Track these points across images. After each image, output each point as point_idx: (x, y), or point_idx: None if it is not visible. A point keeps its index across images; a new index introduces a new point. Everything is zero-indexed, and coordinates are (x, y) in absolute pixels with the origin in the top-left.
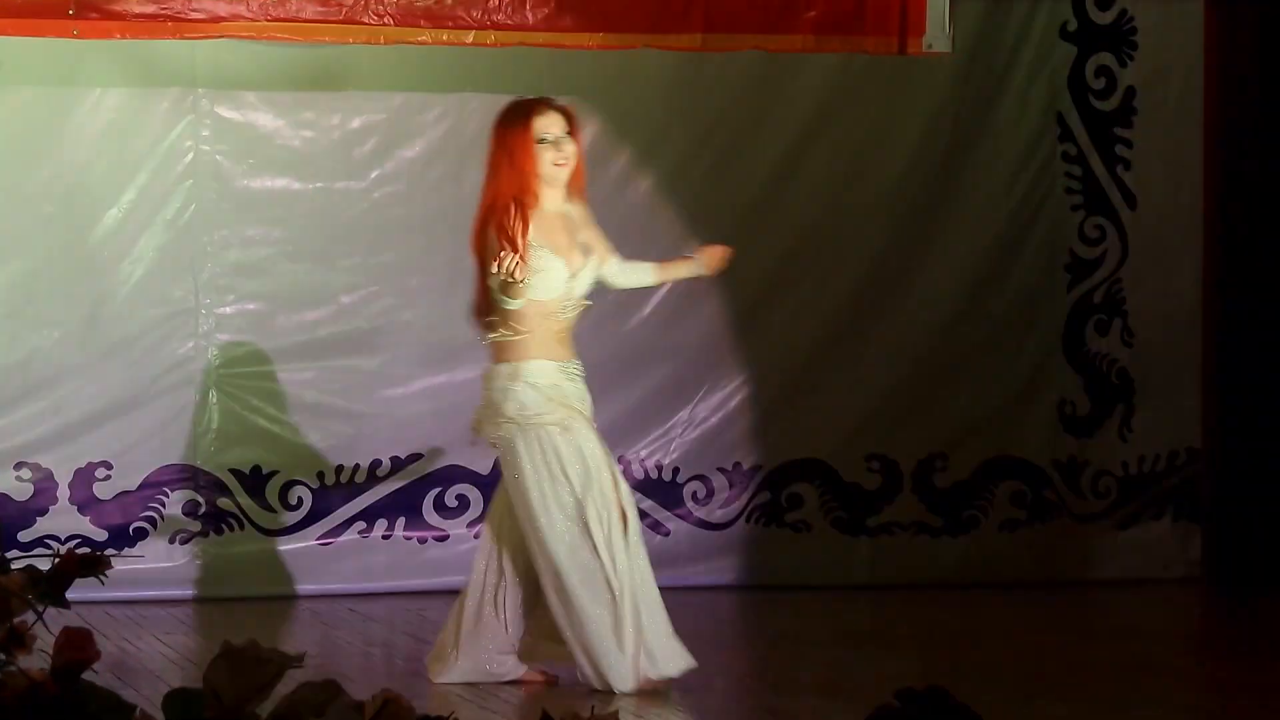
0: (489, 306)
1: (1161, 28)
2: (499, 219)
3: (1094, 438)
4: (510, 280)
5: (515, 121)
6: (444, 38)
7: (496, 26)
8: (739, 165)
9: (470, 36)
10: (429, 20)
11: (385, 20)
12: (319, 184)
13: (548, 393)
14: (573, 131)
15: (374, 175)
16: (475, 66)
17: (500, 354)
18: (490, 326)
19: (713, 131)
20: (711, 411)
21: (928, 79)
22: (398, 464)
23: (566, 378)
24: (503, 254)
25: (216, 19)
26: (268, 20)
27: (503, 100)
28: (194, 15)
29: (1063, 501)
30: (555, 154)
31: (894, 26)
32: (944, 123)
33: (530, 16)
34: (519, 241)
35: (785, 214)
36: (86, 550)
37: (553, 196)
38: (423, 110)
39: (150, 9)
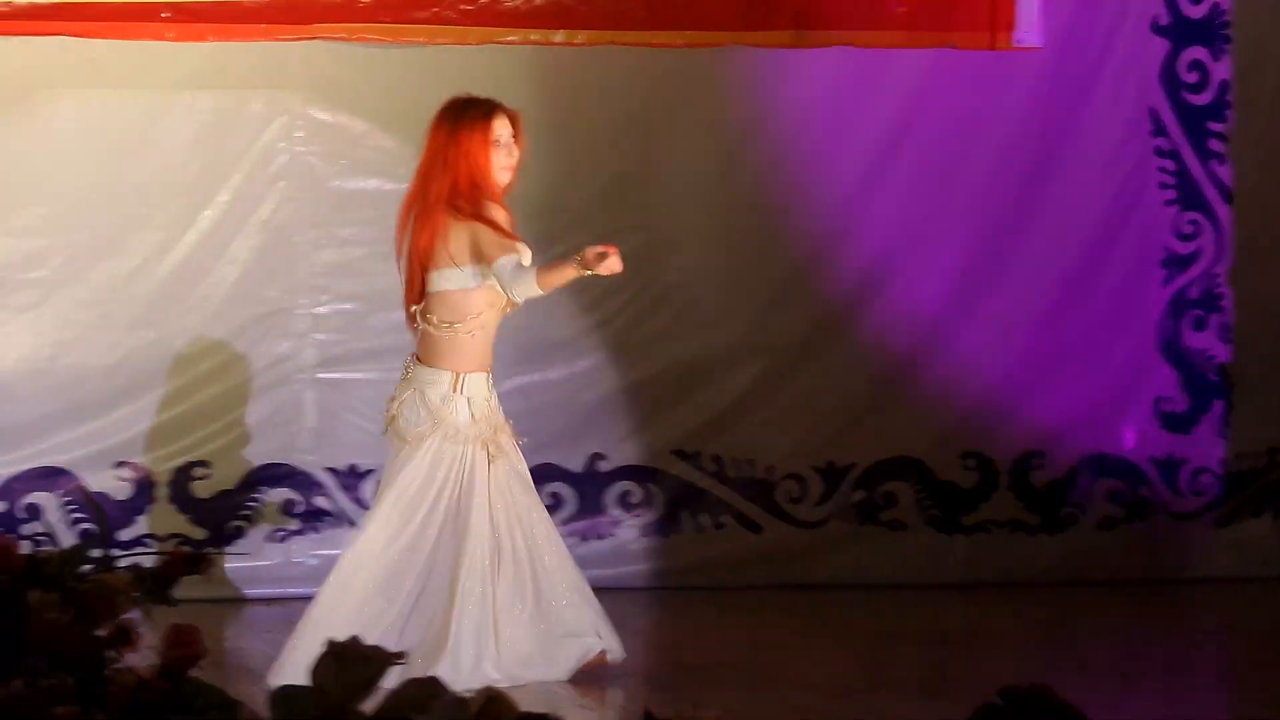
0: (425, 299)
1: (1255, 20)
2: (486, 212)
3: (1191, 435)
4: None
5: (474, 119)
6: (533, 37)
7: (586, 26)
8: (830, 162)
9: (560, 36)
10: (518, 20)
11: (475, 21)
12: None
13: (480, 409)
14: (518, 137)
15: None
16: (562, 67)
17: (442, 358)
18: (430, 322)
19: (803, 128)
20: (804, 409)
21: (1019, 74)
22: None
23: (490, 389)
24: (603, 250)
25: (309, 21)
26: (360, 22)
27: (594, 102)
28: (286, 17)
29: (1160, 499)
30: (506, 158)
31: (985, 21)
32: (1035, 118)
33: (620, 16)
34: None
35: (876, 211)
36: (189, 549)
37: None
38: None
39: (244, 11)
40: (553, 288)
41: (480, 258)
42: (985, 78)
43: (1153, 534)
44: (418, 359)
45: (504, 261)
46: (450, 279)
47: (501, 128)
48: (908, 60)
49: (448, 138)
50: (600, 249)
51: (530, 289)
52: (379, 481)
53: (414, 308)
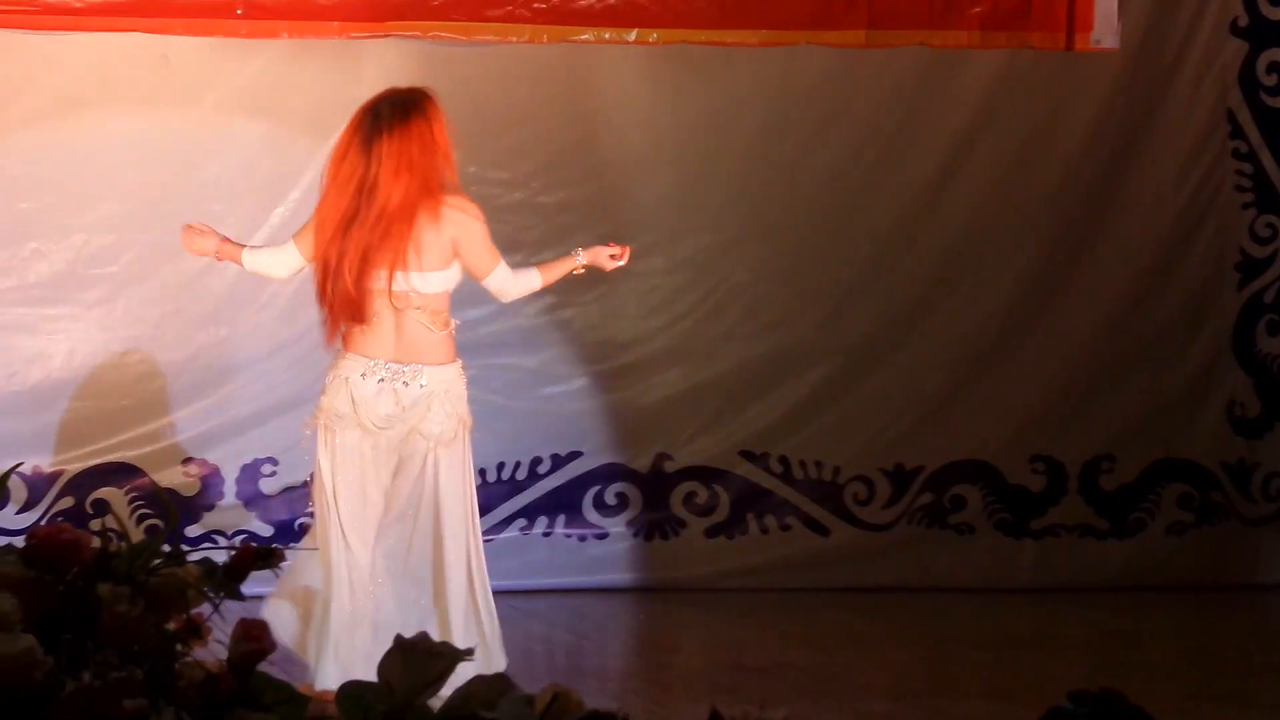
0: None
1: None
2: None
3: (1264, 440)
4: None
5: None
6: (606, 36)
7: (659, 25)
8: (902, 162)
9: (633, 35)
10: (591, 19)
11: (548, 20)
12: (481, 183)
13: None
14: None
15: (533, 174)
16: (634, 66)
17: (451, 352)
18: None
19: (876, 128)
20: (873, 411)
21: (1095, 75)
22: (558, 461)
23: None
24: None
25: (381, 18)
26: (434, 20)
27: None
28: (359, 14)
29: (1231, 504)
30: None
31: (1061, 22)
32: (1111, 120)
33: (693, 15)
34: None
35: (948, 212)
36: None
37: None
38: (581, 111)
39: (316, 8)
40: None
41: None
42: (1061, 79)
43: (1223, 539)
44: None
45: None
46: None
47: None
48: (983, 60)
49: (445, 130)
50: (613, 250)
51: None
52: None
53: None
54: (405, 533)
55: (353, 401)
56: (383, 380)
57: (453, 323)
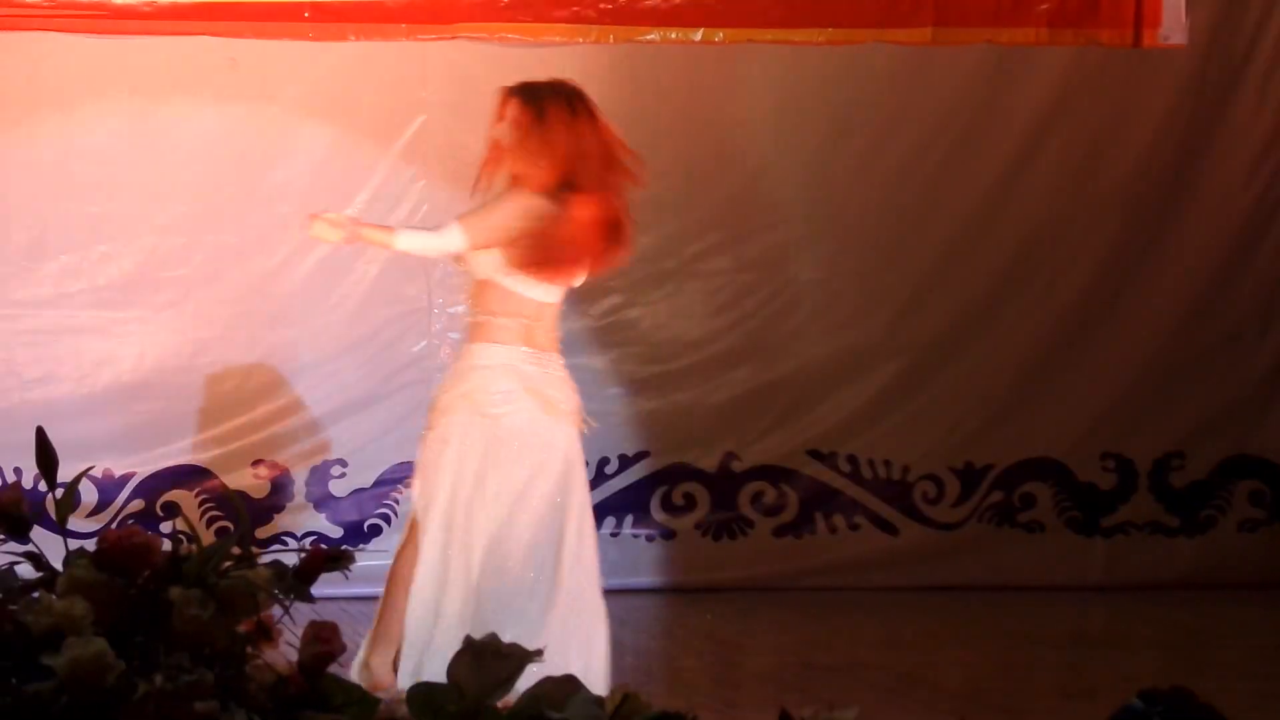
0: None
1: None
2: None
3: None
4: None
5: (579, 101)
6: (672, 35)
7: (725, 24)
8: (969, 160)
9: (698, 34)
10: (657, 19)
11: (614, 20)
12: None
13: None
14: (500, 116)
15: None
16: (700, 65)
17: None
18: None
19: (943, 126)
20: (941, 409)
21: (1163, 71)
22: (625, 462)
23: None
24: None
25: (449, 20)
26: (500, 21)
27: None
28: (426, 16)
29: None
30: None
31: (1129, 18)
32: (1179, 116)
33: (759, 13)
34: None
35: (1018, 209)
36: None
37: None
38: (649, 110)
39: (384, 10)
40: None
41: None
42: (1129, 75)
43: None
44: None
45: None
46: None
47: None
48: (1050, 57)
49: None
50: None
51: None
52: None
53: None
54: None
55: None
56: None
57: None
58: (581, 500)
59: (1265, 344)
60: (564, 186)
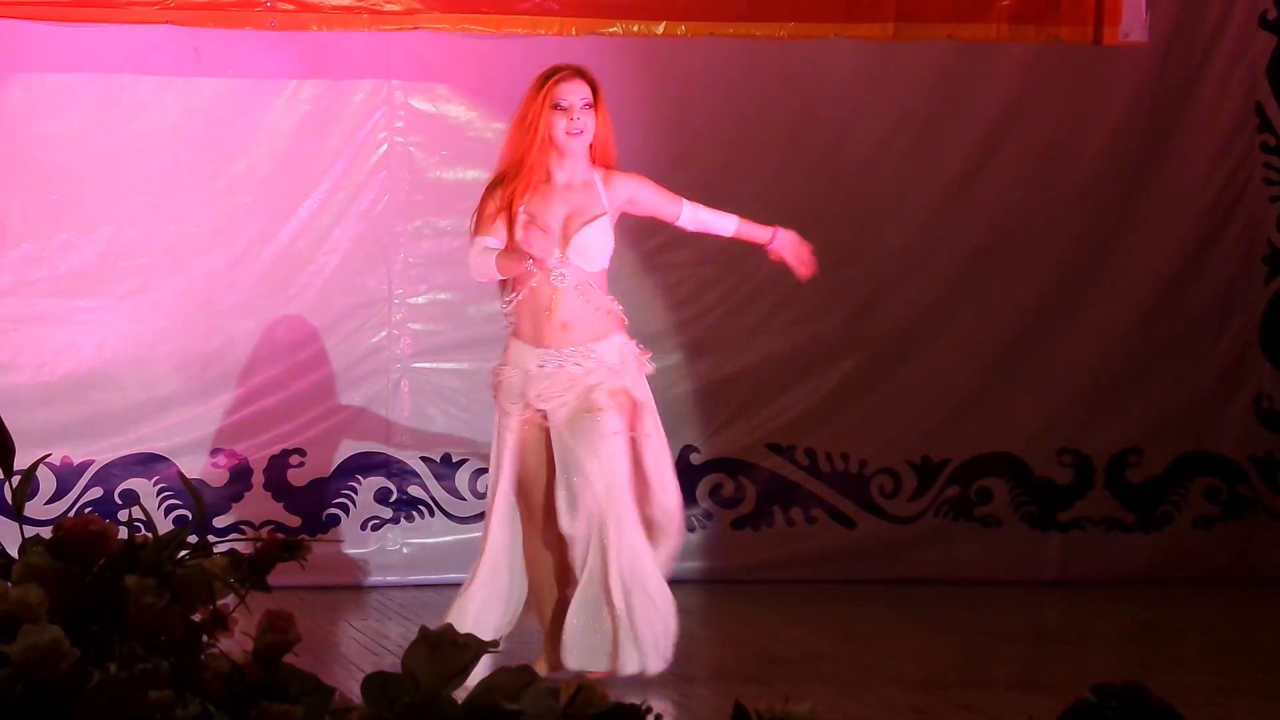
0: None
1: None
2: (493, 186)
3: None
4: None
5: (536, 87)
6: (634, 28)
7: (687, 17)
8: (930, 156)
9: (661, 27)
10: (620, 11)
11: (576, 12)
12: None
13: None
14: (595, 103)
15: None
16: (662, 58)
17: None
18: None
19: (904, 122)
20: (899, 404)
21: (1123, 69)
22: None
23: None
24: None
25: (411, 11)
26: (462, 12)
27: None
28: (389, 7)
29: (1259, 498)
30: (569, 122)
31: (1089, 15)
32: (1140, 113)
33: (721, 7)
34: (512, 208)
35: (977, 206)
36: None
37: (564, 165)
38: (610, 103)
39: (347, 1)
40: (508, 272)
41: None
42: (1089, 72)
43: (1250, 533)
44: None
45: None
46: None
47: (565, 93)
48: (1011, 54)
49: (519, 108)
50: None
51: (487, 271)
52: (476, 471)
53: None
54: None
55: None
56: None
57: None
58: None
59: (1222, 342)
60: None
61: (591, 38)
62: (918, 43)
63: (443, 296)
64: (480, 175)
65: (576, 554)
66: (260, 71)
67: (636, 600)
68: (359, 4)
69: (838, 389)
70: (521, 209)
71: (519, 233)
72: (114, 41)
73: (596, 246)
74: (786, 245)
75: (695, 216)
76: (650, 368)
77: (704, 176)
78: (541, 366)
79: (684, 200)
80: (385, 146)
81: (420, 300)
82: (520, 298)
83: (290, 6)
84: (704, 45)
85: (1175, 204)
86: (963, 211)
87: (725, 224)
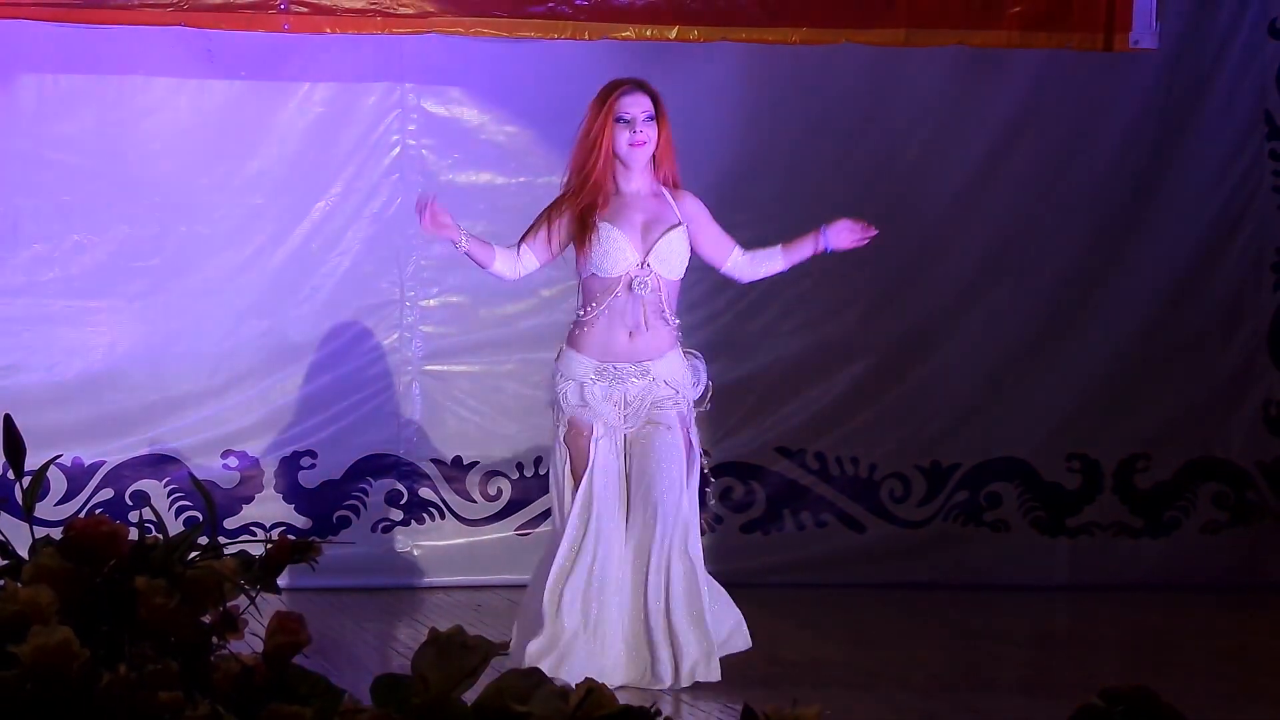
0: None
1: None
2: (559, 201)
3: None
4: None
5: (599, 99)
6: (648, 33)
7: (700, 22)
8: (941, 162)
9: (673, 31)
10: (633, 16)
11: (589, 16)
12: (522, 179)
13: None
14: (658, 116)
15: None
16: (675, 63)
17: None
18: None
19: (915, 127)
20: (909, 409)
21: (1133, 76)
22: None
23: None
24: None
25: (424, 14)
26: (475, 16)
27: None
28: (402, 10)
29: (1266, 503)
30: (631, 134)
31: (1100, 22)
32: (1149, 120)
33: (734, 13)
34: (586, 219)
35: (987, 211)
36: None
37: (631, 177)
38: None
39: (360, 4)
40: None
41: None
42: (1099, 79)
43: (1258, 539)
44: None
45: None
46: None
47: (628, 106)
48: (1022, 60)
49: (584, 121)
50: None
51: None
52: (487, 473)
53: None
54: None
55: None
56: None
57: (580, 314)
58: None
59: (1230, 348)
60: None
61: (605, 42)
62: (929, 49)
63: (454, 299)
64: (493, 178)
65: (652, 565)
66: (273, 74)
67: (706, 611)
68: (372, 6)
69: (848, 393)
70: (596, 219)
71: (597, 244)
72: (126, 43)
73: (678, 254)
74: (841, 236)
75: (743, 262)
76: (700, 389)
77: (714, 179)
78: (602, 380)
79: (735, 244)
80: (398, 149)
81: (432, 303)
82: (603, 309)
83: (303, 9)
84: (716, 51)
85: (1184, 211)
86: (973, 217)
87: (773, 262)
